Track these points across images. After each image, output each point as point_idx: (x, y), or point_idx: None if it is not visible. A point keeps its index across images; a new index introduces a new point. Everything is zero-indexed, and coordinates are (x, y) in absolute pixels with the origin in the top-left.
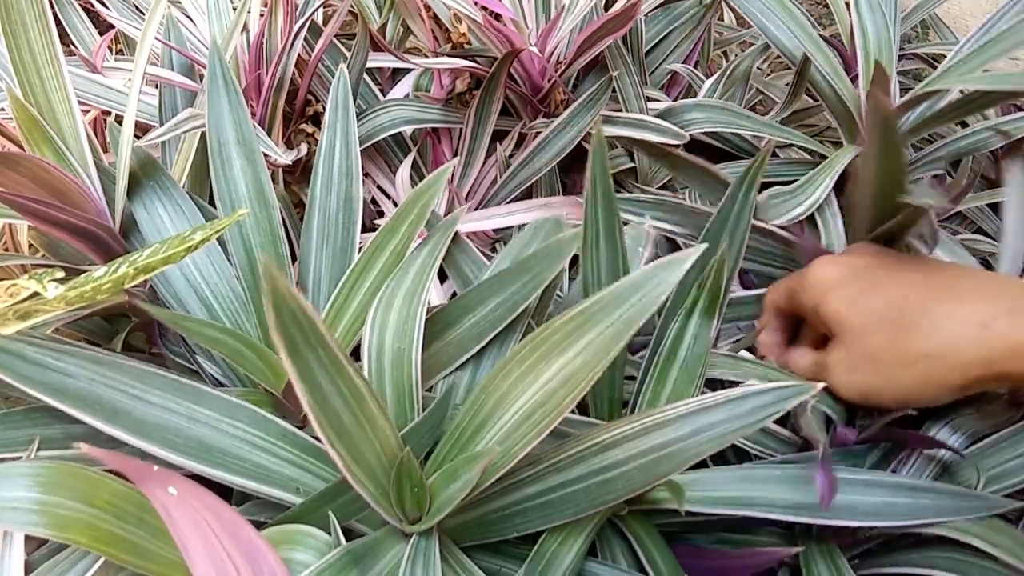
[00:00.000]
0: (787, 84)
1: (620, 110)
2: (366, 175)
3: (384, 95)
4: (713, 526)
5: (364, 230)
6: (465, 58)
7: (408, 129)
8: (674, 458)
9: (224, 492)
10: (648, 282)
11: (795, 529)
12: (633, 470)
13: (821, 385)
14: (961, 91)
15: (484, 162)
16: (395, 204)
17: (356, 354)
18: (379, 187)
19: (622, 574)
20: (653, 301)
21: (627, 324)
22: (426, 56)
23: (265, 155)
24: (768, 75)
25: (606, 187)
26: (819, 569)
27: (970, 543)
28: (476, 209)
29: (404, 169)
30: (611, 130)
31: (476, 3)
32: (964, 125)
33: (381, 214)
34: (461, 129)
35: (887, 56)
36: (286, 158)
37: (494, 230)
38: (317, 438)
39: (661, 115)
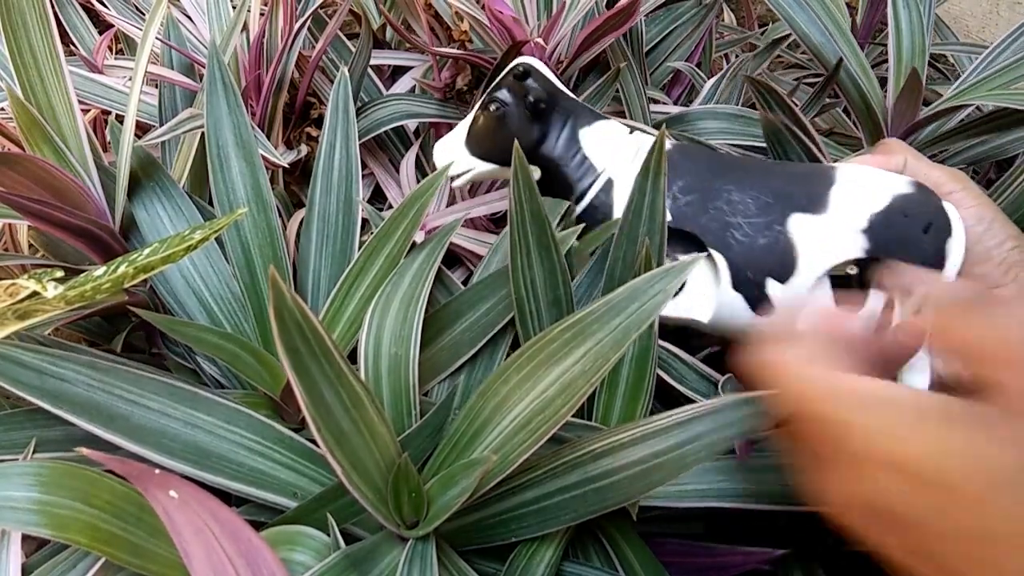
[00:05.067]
0: (795, 80)
1: (622, 111)
2: (369, 173)
3: (387, 90)
4: (696, 525)
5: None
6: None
7: (411, 124)
8: (669, 466)
9: (223, 492)
10: (646, 292)
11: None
12: (627, 478)
13: None
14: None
15: None
16: (393, 204)
17: (352, 356)
18: (379, 183)
19: (597, 572)
20: (651, 311)
21: (625, 333)
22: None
23: (264, 157)
24: (774, 72)
25: (534, 206)
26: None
27: None
28: None
29: (409, 158)
30: None
31: (478, 1)
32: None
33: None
34: None
35: (920, 61)
36: (284, 160)
37: (491, 218)
38: (314, 441)
39: (670, 122)
